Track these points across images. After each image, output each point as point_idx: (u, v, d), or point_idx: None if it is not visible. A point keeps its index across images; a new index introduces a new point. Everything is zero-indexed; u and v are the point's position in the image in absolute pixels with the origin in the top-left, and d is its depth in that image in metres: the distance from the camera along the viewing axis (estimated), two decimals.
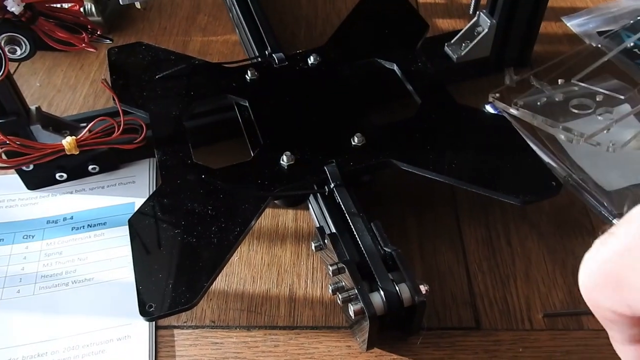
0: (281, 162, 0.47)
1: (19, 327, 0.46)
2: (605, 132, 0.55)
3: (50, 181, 0.55)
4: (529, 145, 0.49)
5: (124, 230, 0.52)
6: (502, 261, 0.49)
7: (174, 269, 0.41)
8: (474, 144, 0.49)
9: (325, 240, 0.44)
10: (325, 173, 0.46)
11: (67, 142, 0.48)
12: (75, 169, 0.55)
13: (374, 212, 0.45)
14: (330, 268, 0.42)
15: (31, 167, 0.52)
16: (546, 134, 0.58)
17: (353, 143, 0.48)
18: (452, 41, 0.63)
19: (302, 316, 0.46)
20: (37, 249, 0.52)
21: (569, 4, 0.77)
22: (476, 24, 0.62)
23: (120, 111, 0.49)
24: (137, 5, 0.45)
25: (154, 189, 0.55)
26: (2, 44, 0.44)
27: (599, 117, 0.58)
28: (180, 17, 0.76)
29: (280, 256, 0.50)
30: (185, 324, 0.45)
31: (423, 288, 0.39)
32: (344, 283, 0.42)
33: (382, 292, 0.39)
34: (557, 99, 0.61)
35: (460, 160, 0.47)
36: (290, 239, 0.51)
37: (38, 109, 0.52)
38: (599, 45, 0.68)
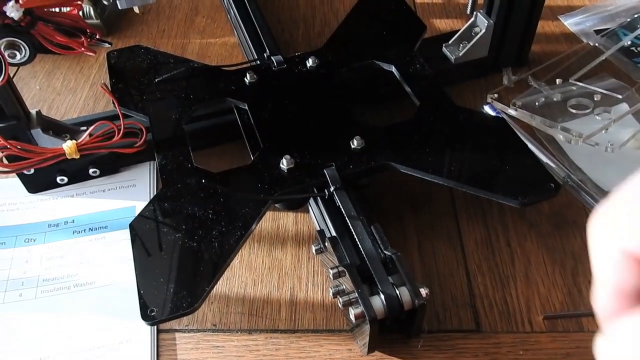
0: (281, 165, 0.47)
1: (21, 331, 0.46)
2: (603, 132, 0.56)
3: (51, 184, 0.55)
4: (527, 146, 0.49)
5: (125, 234, 0.52)
6: (502, 262, 0.49)
7: (175, 273, 0.41)
8: (473, 146, 0.49)
9: (326, 244, 0.44)
10: (325, 176, 0.47)
11: (68, 146, 0.48)
12: (76, 172, 0.55)
13: (372, 213, 0.45)
14: (331, 271, 0.42)
15: (32, 170, 0.53)
16: (545, 134, 0.58)
17: (352, 146, 0.48)
18: (450, 42, 0.63)
19: (303, 319, 0.46)
20: (38, 252, 0.52)
21: (565, 3, 0.77)
22: (473, 25, 0.62)
23: (120, 115, 0.49)
24: (136, 9, 0.45)
25: (155, 192, 0.56)
26: (2, 48, 0.44)
27: (597, 117, 0.59)
28: (179, 20, 0.76)
29: (281, 259, 0.50)
30: (186, 328, 0.46)
31: (423, 291, 0.39)
32: (344, 286, 0.43)
33: (382, 296, 0.39)
34: (555, 99, 0.61)
35: (459, 162, 0.47)
36: (290, 242, 0.51)
37: (38, 112, 0.52)
38: (597, 44, 0.69)
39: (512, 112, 0.60)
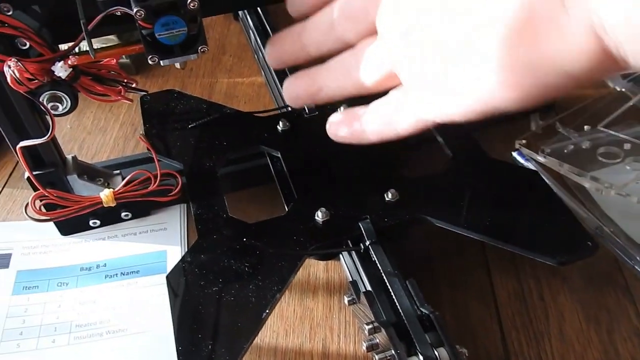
0: (316, 217, 0.47)
1: None
2: (635, 182, 0.56)
3: (84, 227, 0.56)
4: (563, 202, 0.49)
5: (157, 279, 0.53)
6: (535, 317, 0.49)
7: (212, 329, 0.41)
8: (508, 201, 0.49)
9: (360, 297, 0.44)
10: (360, 229, 0.47)
11: (105, 195, 0.49)
12: (108, 215, 0.55)
13: (404, 263, 0.45)
14: (366, 327, 0.42)
15: None
16: (574, 182, 0.58)
17: (387, 198, 0.49)
18: None
19: None
20: (71, 296, 0.52)
21: None
22: None
23: (157, 164, 0.49)
24: (177, 65, 0.46)
25: (186, 236, 0.56)
26: (45, 102, 0.45)
27: (628, 167, 0.59)
28: (206, 58, 0.77)
29: (312, 308, 0.50)
30: None
31: (463, 352, 0.39)
32: (378, 340, 0.43)
33: (421, 357, 0.39)
34: (584, 147, 0.61)
35: (494, 217, 0.47)
36: (321, 291, 0.51)
37: (74, 158, 0.52)
38: (623, 89, 0.69)
39: (540, 159, 0.60)
